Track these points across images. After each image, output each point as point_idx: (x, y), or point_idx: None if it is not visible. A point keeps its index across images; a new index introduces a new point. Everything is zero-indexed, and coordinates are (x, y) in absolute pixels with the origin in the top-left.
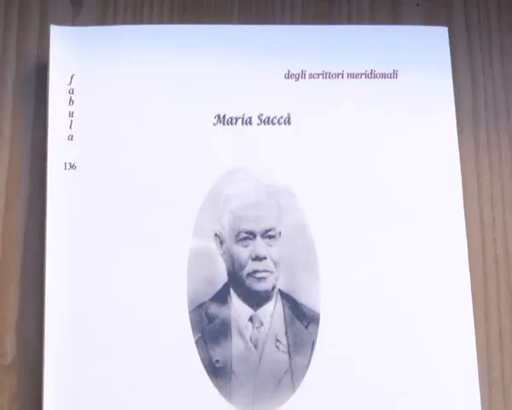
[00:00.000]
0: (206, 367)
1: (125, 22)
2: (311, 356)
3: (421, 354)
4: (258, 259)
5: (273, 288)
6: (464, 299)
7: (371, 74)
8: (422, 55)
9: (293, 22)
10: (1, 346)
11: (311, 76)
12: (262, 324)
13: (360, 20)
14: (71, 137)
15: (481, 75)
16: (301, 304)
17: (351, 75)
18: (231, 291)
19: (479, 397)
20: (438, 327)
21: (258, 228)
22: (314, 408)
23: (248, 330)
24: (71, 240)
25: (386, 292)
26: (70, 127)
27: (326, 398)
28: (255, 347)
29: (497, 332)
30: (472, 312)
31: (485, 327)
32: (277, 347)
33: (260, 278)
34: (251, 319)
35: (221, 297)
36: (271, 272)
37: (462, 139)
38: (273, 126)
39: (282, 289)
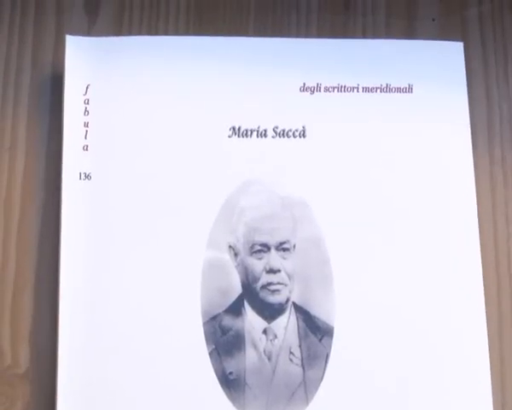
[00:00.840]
0: (219, 379)
1: (140, 33)
2: (324, 369)
3: (437, 368)
4: (272, 271)
5: (287, 300)
6: (478, 314)
7: (386, 88)
8: (438, 70)
9: (308, 35)
10: (15, 355)
11: (327, 89)
12: (276, 336)
13: (375, 35)
14: (86, 148)
15: (496, 91)
16: (315, 317)
17: (366, 89)
18: (245, 303)
19: (491, 398)
20: (452, 341)
21: (272, 241)
22: None
23: (262, 342)
24: (85, 249)
25: (402, 306)
26: (85, 137)
27: None
28: (269, 359)
29: (510, 345)
30: (486, 326)
31: (499, 342)
32: (291, 359)
33: (274, 291)
34: (265, 332)
35: (235, 309)
36: (285, 285)
37: (477, 155)
38: (288, 139)
39: (296, 301)
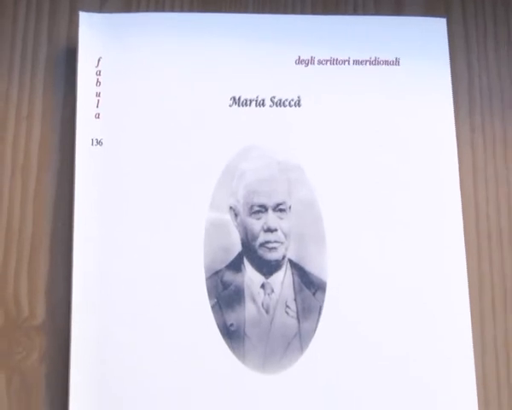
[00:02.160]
0: (221, 330)
1: (148, 10)
2: (318, 321)
3: (420, 320)
4: (269, 230)
5: (283, 257)
6: (459, 269)
7: (375, 61)
8: (423, 44)
9: (303, 12)
10: (31, 308)
11: (320, 62)
12: (273, 290)
13: (365, 11)
14: (98, 116)
15: (476, 63)
16: (309, 273)
17: (356, 62)
18: (245, 260)
19: (472, 355)
20: (435, 295)
21: (270, 202)
22: (321, 370)
23: (260, 296)
24: (97, 210)
25: (389, 262)
26: (97, 106)
27: (332, 360)
28: (266, 312)
29: (489, 301)
30: (467, 280)
31: (479, 296)
32: (287, 312)
33: (271, 249)
34: (263, 286)
35: (235, 265)
36: (282, 243)
37: (459, 123)
38: (284, 108)
39: (292, 258)
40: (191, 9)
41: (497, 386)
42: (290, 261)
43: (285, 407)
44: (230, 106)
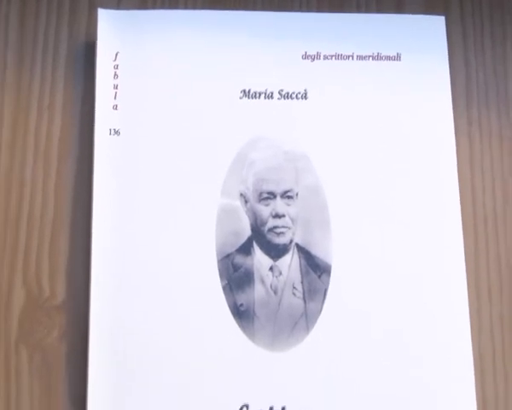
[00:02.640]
0: (231, 310)
1: (162, 7)
2: (323, 302)
3: (420, 300)
4: (277, 216)
5: (290, 242)
6: (457, 252)
7: (377, 57)
8: (423, 41)
9: (309, 10)
10: (52, 288)
11: (325, 57)
12: (281, 273)
13: (368, 10)
14: (115, 107)
15: (474, 60)
16: (315, 256)
17: (359, 57)
18: (254, 244)
19: (469, 333)
20: (434, 277)
21: (278, 189)
22: (326, 348)
23: (269, 278)
24: (114, 196)
25: (390, 247)
26: (115, 98)
27: (336, 339)
28: (275, 293)
29: (485, 281)
30: (464, 262)
31: (474, 275)
32: (294, 293)
33: (279, 233)
34: (271, 269)
35: (245, 249)
36: (289, 228)
37: (457, 115)
38: (291, 101)
39: (299, 242)
40: (203, 7)
41: (493, 361)
42: (297, 245)
43: (292, 383)
44: (241, 98)
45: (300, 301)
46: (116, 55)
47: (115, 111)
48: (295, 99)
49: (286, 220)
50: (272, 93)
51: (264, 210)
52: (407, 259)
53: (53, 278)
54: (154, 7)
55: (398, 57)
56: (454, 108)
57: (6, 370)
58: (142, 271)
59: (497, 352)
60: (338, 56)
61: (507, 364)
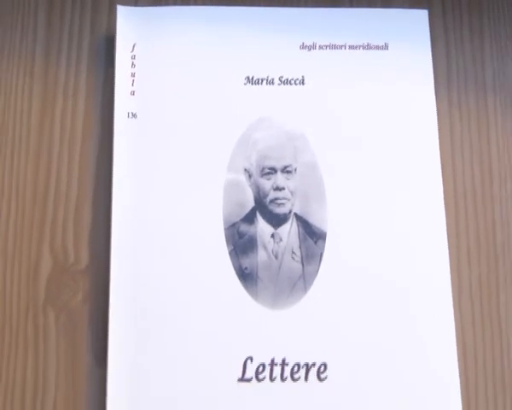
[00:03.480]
0: (237, 273)
1: (175, 4)
2: (319, 265)
3: (405, 261)
4: (278, 189)
5: (290, 212)
6: (439, 222)
7: (367, 46)
8: (408, 32)
9: (307, 5)
10: (77, 255)
11: (321, 47)
12: (281, 239)
13: (359, 4)
14: (133, 93)
15: (454, 49)
16: (312, 224)
17: (351, 47)
18: (257, 214)
19: (450, 296)
20: (418, 242)
21: (278, 165)
22: (321, 306)
23: (270, 244)
24: (132, 172)
25: (378, 216)
26: (132, 85)
27: (331, 297)
28: (276, 257)
29: (465, 248)
30: (446, 231)
31: (455, 242)
32: (293, 258)
33: (280, 204)
34: (272, 236)
35: (249, 218)
36: (288, 200)
37: (439, 99)
38: (290, 86)
39: (297, 212)
40: (212, 3)
41: (472, 314)
42: (295, 215)
43: (291, 338)
44: (245, 84)
45: (299, 265)
46: (133, 46)
47: (132, 96)
48: (294, 85)
49: (285, 193)
50: (273, 79)
51: (266, 184)
52: (394, 228)
53: (77, 245)
54: (167, 4)
55: (385, 47)
56: (436, 92)
57: (35, 329)
58: (158, 238)
59: (476, 307)
60: (332, 46)
61: (484, 317)
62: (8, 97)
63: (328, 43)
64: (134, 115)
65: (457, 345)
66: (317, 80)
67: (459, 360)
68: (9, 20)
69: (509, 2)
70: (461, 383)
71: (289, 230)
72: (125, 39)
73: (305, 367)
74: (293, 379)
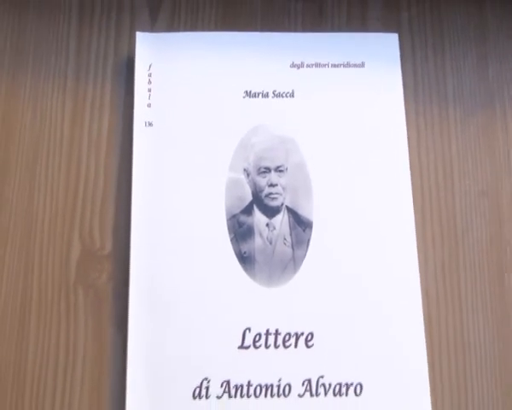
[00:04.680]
0: (237, 256)
1: (185, 30)
2: (307, 250)
3: (379, 247)
4: (272, 185)
5: (282, 204)
6: (408, 213)
7: (347, 65)
8: (381, 53)
9: (296, 30)
10: (102, 242)
11: (308, 66)
12: (274, 228)
13: (341, 29)
14: (149, 105)
15: (420, 67)
16: (301, 215)
17: (333, 65)
18: (254, 206)
19: (418, 275)
20: (390, 231)
21: (272, 165)
22: (309, 284)
23: (265, 232)
24: (148, 171)
25: (356, 207)
26: (149, 98)
27: (317, 277)
28: (270, 243)
29: (430, 235)
30: (414, 221)
31: (422, 230)
32: (284, 243)
33: (273, 198)
34: (267, 225)
35: (247, 210)
36: (281, 194)
37: (407, 109)
38: (282, 98)
39: (288, 205)
40: (216, 29)
41: (437, 300)
42: (287, 207)
43: (283, 311)
44: (244, 97)
45: (289, 249)
46: (150, 66)
47: (149, 108)
48: (285, 97)
49: (278, 188)
50: (268, 93)
51: (262, 181)
52: (370, 217)
53: (102, 234)
54: (178, 29)
55: (362, 65)
56: (405, 103)
57: (67, 305)
58: (170, 227)
59: (439, 284)
60: (317, 65)
61: (447, 293)
62: (45, 110)
63: (314, 63)
64: (150, 124)
65: (424, 316)
66: (305, 94)
67: (425, 330)
68: (45, 46)
69: (465, 27)
70: (427, 348)
71: (281, 220)
72: (142, 60)
73: (294, 336)
74: (285, 346)
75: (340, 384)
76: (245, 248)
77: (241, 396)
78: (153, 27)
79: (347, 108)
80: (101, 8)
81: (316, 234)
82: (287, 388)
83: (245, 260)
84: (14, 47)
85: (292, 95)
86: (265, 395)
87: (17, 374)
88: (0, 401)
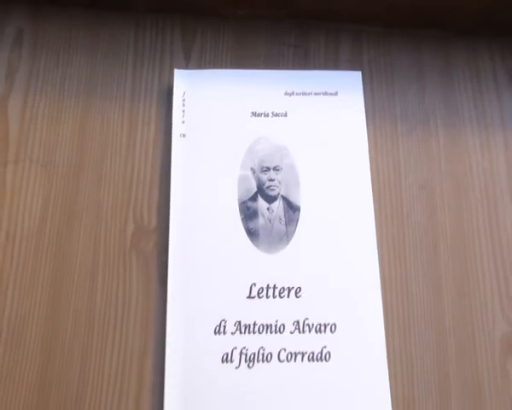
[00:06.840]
0: (246, 231)
1: (209, 67)
2: (296, 226)
3: (346, 230)
4: (271, 180)
5: (278, 194)
6: (368, 205)
7: (325, 93)
8: (349, 85)
9: (288, 68)
10: (149, 219)
11: (297, 94)
12: (273, 211)
13: (320, 68)
14: (183, 121)
15: (371, 96)
16: (292, 202)
17: (315, 93)
18: (258, 196)
19: (376, 253)
20: (354, 218)
21: (271, 165)
22: (298, 252)
23: (266, 214)
24: (183, 170)
25: (331, 197)
26: (183, 116)
27: (304, 247)
28: (269, 222)
29: (384, 220)
30: (373, 210)
31: (379, 218)
32: (280, 222)
33: (272, 189)
34: (268, 209)
35: (253, 198)
36: (277, 187)
37: (368, 126)
38: (278, 117)
39: (283, 194)
40: (231, 67)
41: (389, 266)
42: (282, 196)
43: (280, 272)
44: (251, 117)
45: (283, 227)
46: (184, 93)
47: (183, 124)
48: (280, 117)
49: (275, 182)
50: (268, 113)
51: (264, 177)
52: (341, 204)
53: (149, 214)
54: (204, 67)
55: (336, 93)
56: (366, 121)
57: (124, 266)
58: (198, 208)
59: (391, 254)
60: (304, 93)
61: (396, 262)
62: (107, 125)
63: (301, 91)
64: (184, 136)
65: (380, 273)
66: (295, 114)
67: (381, 283)
68: (110, 78)
69: (408, 67)
70: (382, 296)
71: (278, 205)
72: (179, 88)
73: (287, 289)
74: (281, 297)
75: (320, 324)
76: (251, 225)
77: (249, 333)
78: (186, 65)
79: (325, 124)
80: (149, 51)
81: (303, 215)
82: (281, 327)
83: (251, 234)
84: (89, 79)
85: (285, 115)
86: (266, 332)
87: (88, 316)
88: (75, 336)
